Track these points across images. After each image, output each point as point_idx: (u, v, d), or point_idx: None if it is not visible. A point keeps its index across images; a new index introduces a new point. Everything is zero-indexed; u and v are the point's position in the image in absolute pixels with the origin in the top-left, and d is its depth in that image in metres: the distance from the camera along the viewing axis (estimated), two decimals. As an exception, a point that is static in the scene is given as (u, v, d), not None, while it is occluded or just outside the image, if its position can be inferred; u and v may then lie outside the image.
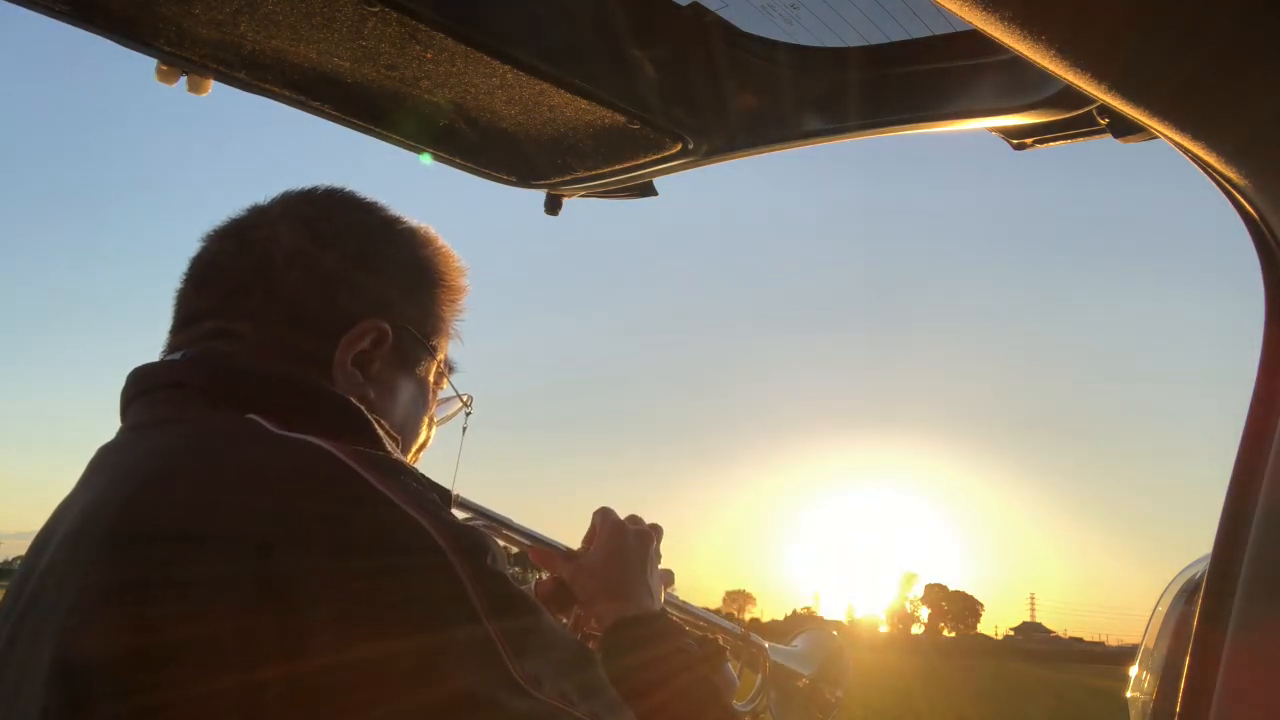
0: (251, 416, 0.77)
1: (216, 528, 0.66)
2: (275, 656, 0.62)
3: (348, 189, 0.97)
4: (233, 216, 0.93)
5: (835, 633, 1.48)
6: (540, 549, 1.12)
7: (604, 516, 1.13)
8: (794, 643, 1.44)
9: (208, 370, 0.84)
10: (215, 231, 0.93)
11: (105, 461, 0.82)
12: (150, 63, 1.22)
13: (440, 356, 0.99)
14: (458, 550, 0.69)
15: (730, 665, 1.23)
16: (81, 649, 0.65)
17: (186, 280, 0.91)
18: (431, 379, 0.99)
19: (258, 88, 1.29)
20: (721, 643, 1.24)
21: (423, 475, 0.78)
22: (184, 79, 1.25)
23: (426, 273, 0.97)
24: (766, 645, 1.34)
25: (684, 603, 1.24)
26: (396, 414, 0.93)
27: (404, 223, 0.97)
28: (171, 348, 0.89)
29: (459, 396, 1.06)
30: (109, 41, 1.17)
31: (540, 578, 1.12)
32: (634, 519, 1.14)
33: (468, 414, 1.08)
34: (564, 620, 1.10)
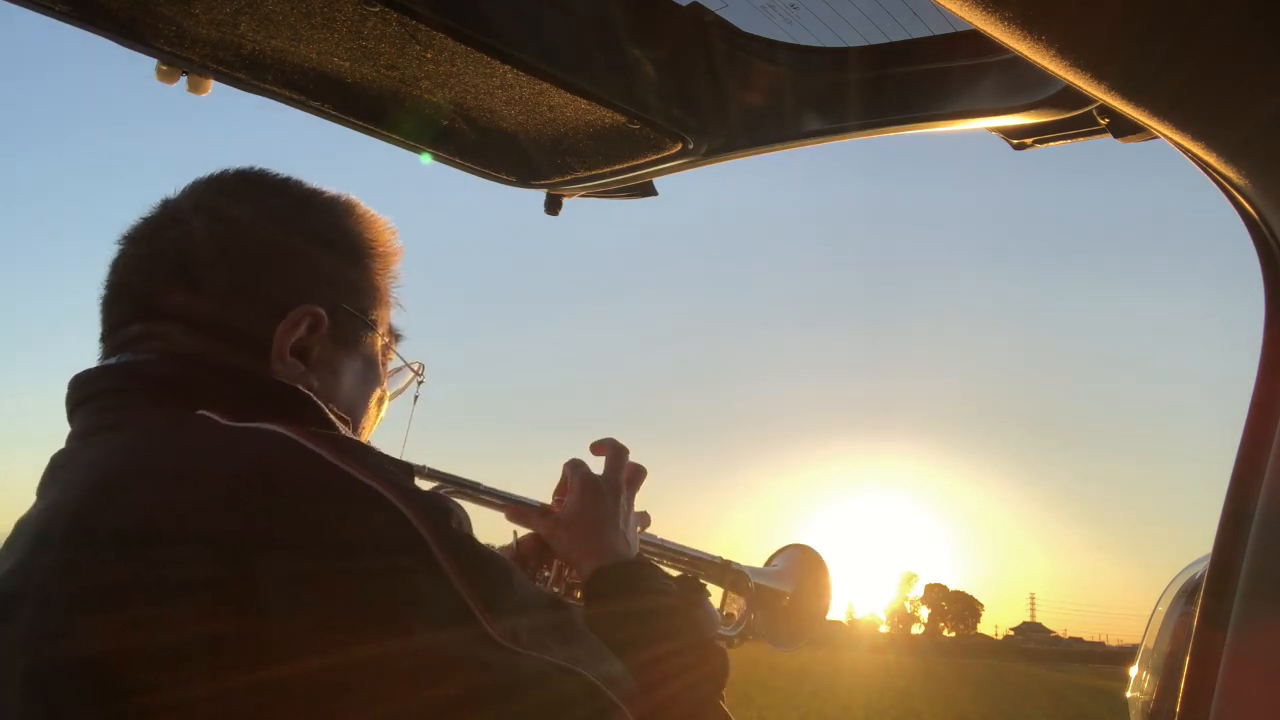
0: (202, 412, 0.75)
1: (174, 526, 0.65)
2: (248, 653, 0.61)
3: (259, 168, 0.93)
4: (144, 216, 0.89)
5: (811, 546, 1.49)
6: (515, 508, 1.11)
7: (574, 468, 1.11)
8: (774, 563, 1.46)
9: (147, 371, 0.82)
10: (129, 234, 0.89)
11: (58, 470, 0.80)
12: (150, 63, 1.22)
13: (382, 329, 0.97)
14: (421, 517, 0.69)
15: (709, 602, 1.24)
16: (48, 655, 0.64)
17: (107, 288, 0.89)
18: (378, 352, 0.97)
19: (258, 88, 1.29)
20: (702, 578, 1.24)
21: (379, 450, 0.77)
22: (184, 79, 1.25)
23: (354, 244, 0.93)
24: (747, 569, 1.35)
25: (661, 540, 1.23)
26: (344, 396, 0.91)
27: (323, 195, 0.93)
28: (106, 353, 0.87)
29: (408, 366, 1.04)
30: (109, 41, 1.17)
31: (519, 536, 1.12)
32: (615, 457, 1.12)
33: (419, 383, 1.07)
34: (546, 574, 1.11)
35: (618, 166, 1.49)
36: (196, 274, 0.85)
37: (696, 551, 1.30)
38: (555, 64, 1.23)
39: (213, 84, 1.26)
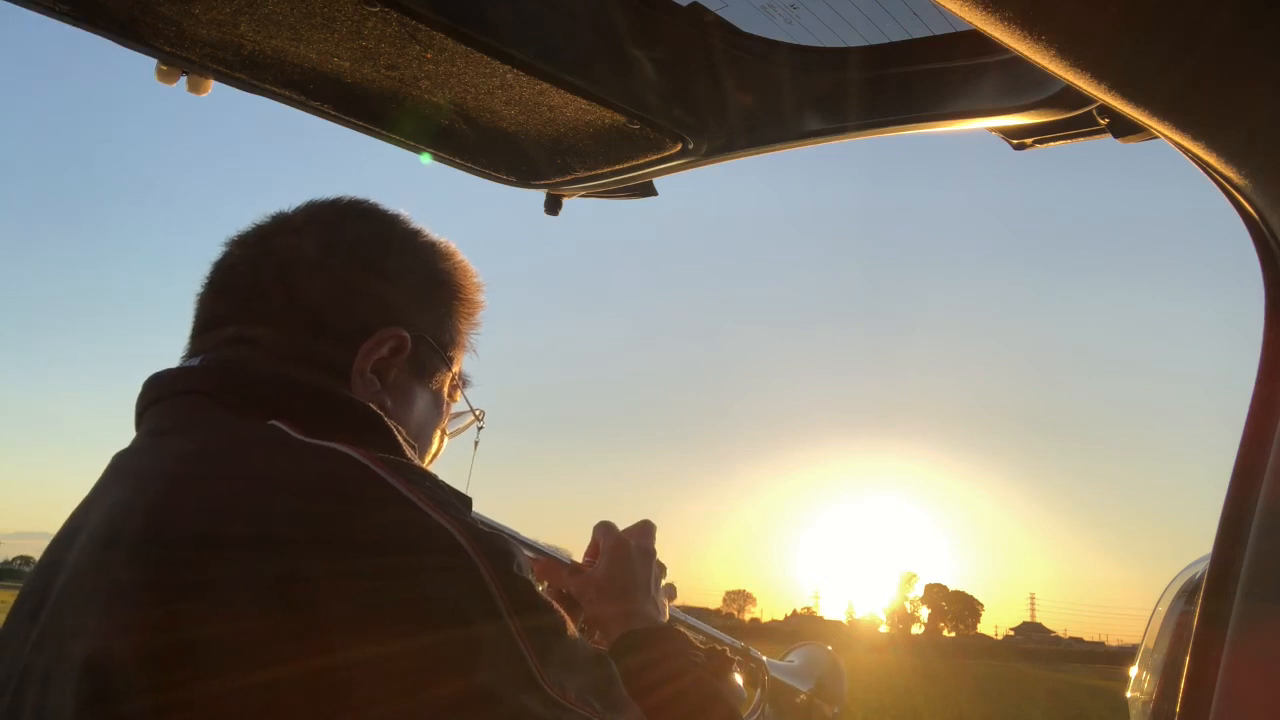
0: (274, 423, 0.77)
1: (244, 531, 0.67)
2: (299, 655, 0.63)
3: (371, 200, 0.98)
4: (256, 223, 0.94)
5: (830, 648, 1.49)
6: (545, 562, 1.12)
7: (606, 530, 1.14)
8: (790, 658, 1.45)
9: (227, 376, 0.84)
10: (238, 237, 0.94)
11: (126, 467, 0.82)
12: (150, 63, 1.22)
13: (455, 369, 1.00)
14: (483, 553, 0.70)
15: (735, 677, 1.24)
16: (113, 646, 0.66)
17: (207, 285, 0.92)
18: (446, 391, 1.00)
19: (258, 88, 1.29)
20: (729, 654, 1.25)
21: (444, 482, 0.79)
22: (184, 79, 1.25)
23: (445, 285, 0.98)
24: (765, 660, 1.34)
25: (685, 617, 1.24)
26: (411, 422, 0.94)
27: (425, 235, 0.99)
28: (191, 353, 0.90)
29: (472, 411, 1.07)
30: (109, 41, 1.17)
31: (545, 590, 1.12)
32: (644, 529, 1.15)
33: (480, 428, 1.09)
34: None
35: (618, 166, 1.49)
36: (296, 283, 0.88)
37: (718, 634, 1.30)
38: (555, 64, 1.23)
39: (213, 84, 1.26)
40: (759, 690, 1.34)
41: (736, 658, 1.30)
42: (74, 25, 1.13)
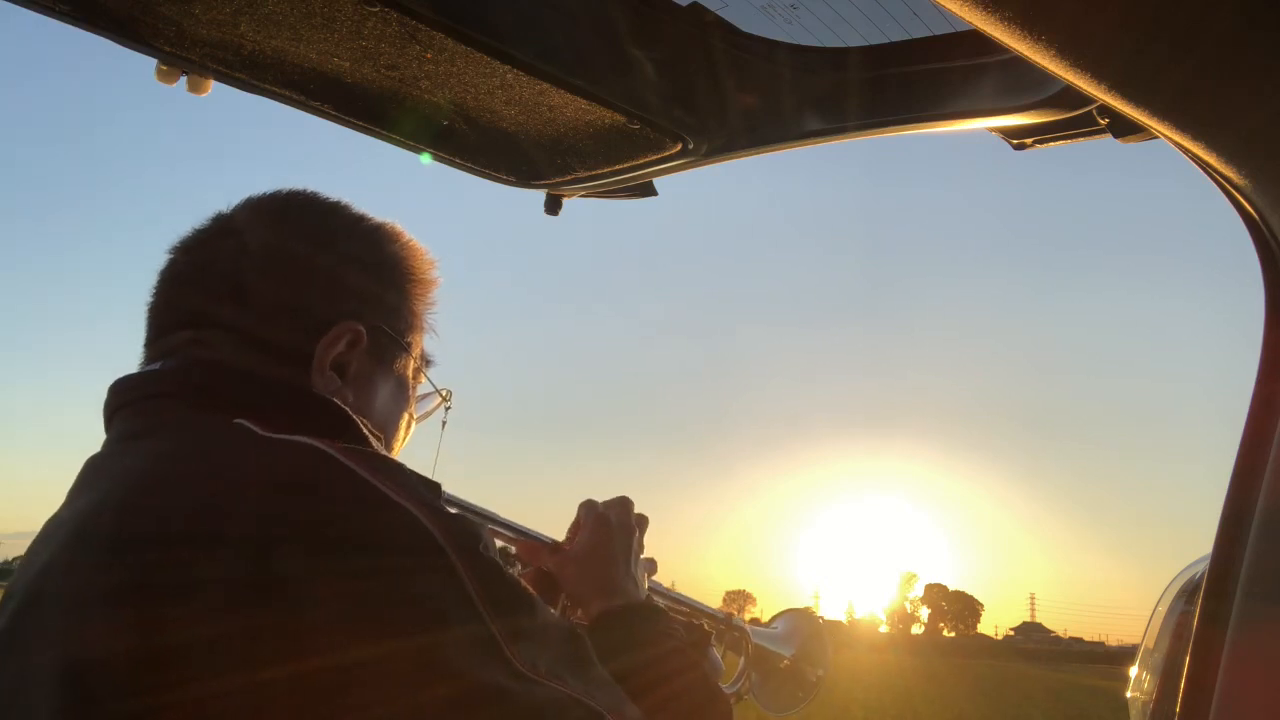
0: (239, 421, 0.77)
1: (216, 529, 0.67)
2: (276, 655, 0.63)
3: (310, 190, 0.97)
4: (196, 227, 0.93)
5: (811, 609, 1.50)
6: (525, 542, 1.13)
7: (588, 509, 1.14)
8: (774, 625, 1.46)
9: (189, 378, 0.84)
10: (180, 244, 0.92)
11: (96, 471, 0.82)
12: (150, 63, 1.22)
13: (416, 352, 1.00)
14: (451, 540, 0.70)
15: (715, 650, 1.24)
16: (85, 650, 0.66)
17: (156, 294, 0.91)
18: (410, 375, 0.99)
19: (258, 88, 1.29)
20: (706, 628, 1.25)
21: (411, 469, 0.78)
22: (184, 79, 1.25)
23: (396, 269, 0.97)
24: (748, 628, 1.35)
25: (667, 590, 1.25)
26: (376, 413, 0.94)
27: (369, 220, 0.97)
28: (149, 360, 0.89)
29: (438, 392, 1.06)
30: (109, 41, 1.17)
31: (524, 570, 1.13)
32: (623, 504, 1.14)
33: (447, 409, 1.09)
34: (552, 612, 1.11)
35: (618, 166, 1.49)
36: (245, 285, 0.87)
37: (700, 604, 1.30)
38: (555, 64, 1.23)
39: (213, 84, 1.26)
40: (743, 658, 1.34)
41: (718, 628, 1.30)
42: (74, 25, 1.13)
